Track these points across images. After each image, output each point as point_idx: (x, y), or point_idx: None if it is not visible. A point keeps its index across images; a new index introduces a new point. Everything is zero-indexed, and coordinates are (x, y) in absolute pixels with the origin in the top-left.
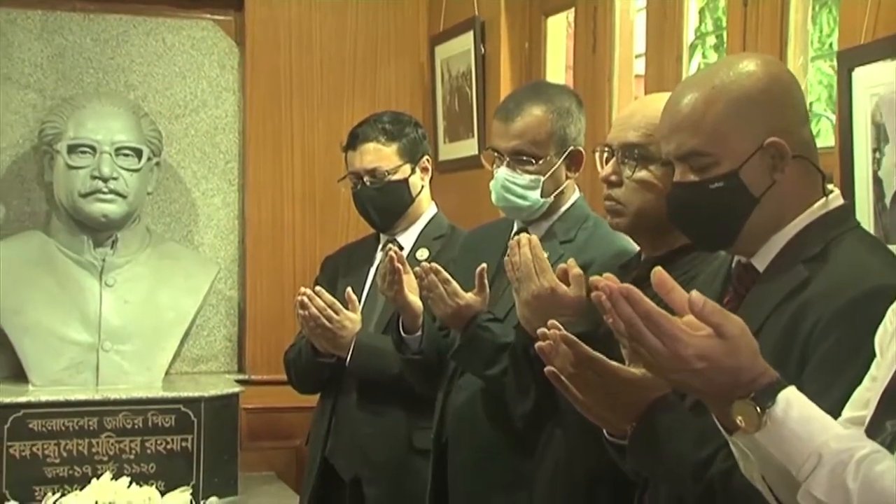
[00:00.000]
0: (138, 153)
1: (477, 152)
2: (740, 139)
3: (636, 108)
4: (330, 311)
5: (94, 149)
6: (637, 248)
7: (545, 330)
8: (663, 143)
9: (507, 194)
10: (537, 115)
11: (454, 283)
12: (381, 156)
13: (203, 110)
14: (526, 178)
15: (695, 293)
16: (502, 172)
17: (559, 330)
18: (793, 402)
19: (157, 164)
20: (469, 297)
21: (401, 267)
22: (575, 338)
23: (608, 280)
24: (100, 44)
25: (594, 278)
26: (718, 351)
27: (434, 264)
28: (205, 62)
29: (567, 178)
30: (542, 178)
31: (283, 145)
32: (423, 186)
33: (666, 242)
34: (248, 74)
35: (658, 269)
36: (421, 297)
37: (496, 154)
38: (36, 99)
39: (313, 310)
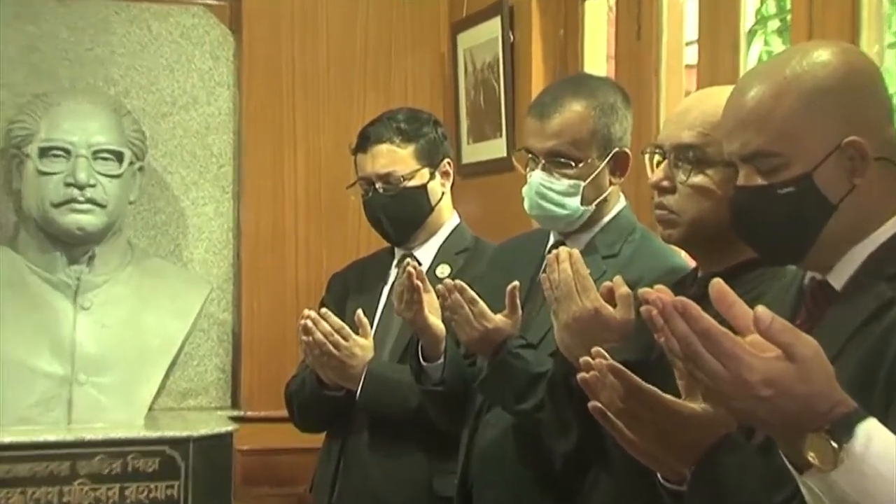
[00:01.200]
0: (119, 157)
1: (505, 154)
2: (814, 138)
3: (691, 103)
4: (337, 337)
5: (68, 152)
6: (692, 264)
7: (588, 358)
8: (725, 142)
9: (543, 201)
10: (578, 111)
11: (481, 304)
12: (395, 159)
13: (193, 108)
14: (564, 184)
15: (761, 308)
16: (537, 177)
17: (605, 358)
18: (875, 436)
19: (141, 168)
20: (498, 319)
21: (420, 284)
22: (623, 367)
23: (660, 293)
24: (76, 33)
25: (643, 290)
26: (788, 375)
27: (459, 281)
28: (195, 53)
29: (611, 183)
30: (583, 184)
31: (285, 147)
32: (443, 193)
33: (726, 257)
34: (244, 67)
35: (717, 280)
36: (443, 320)
37: (530, 155)
38: (4, 96)
39: (319, 335)
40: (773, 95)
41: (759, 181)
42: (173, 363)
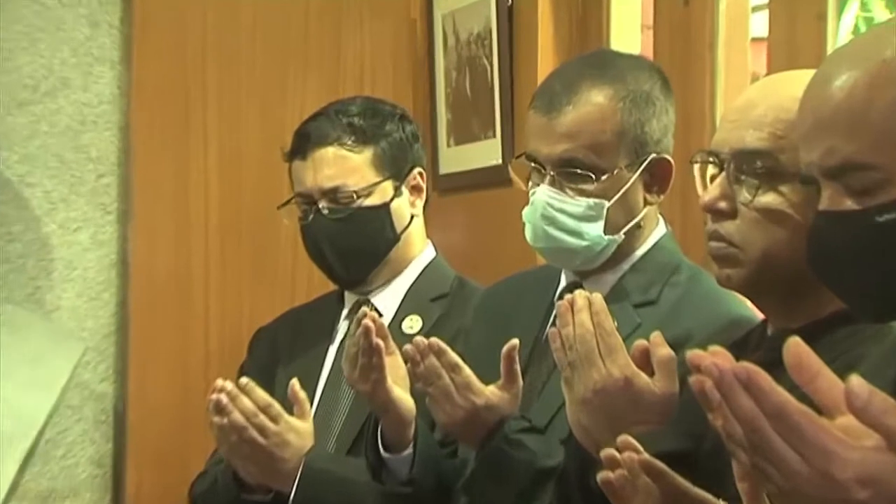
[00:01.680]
0: None
1: (500, 161)
2: None
3: (759, 93)
4: (264, 418)
5: None
6: (759, 316)
7: (613, 451)
8: (803, 150)
9: (552, 228)
10: (600, 103)
11: (466, 371)
12: (346, 168)
13: (62, 94)
14: (581, 204)
15: (856, 380)
16: (544, 194)
17: (636, 450)
18: None
19: None
20: (491, 392)
21: (381, 344)
22: (662, 464)
23: (716, 356)
24: None
25: (692, 353)
26: (894, 472)
27: (436, 340)
28: (67, 18)
29: (647, 202)
30: (608, 204)
31: (192, 150)
32: (413, 216)
33: (807, 308)
34: (135, 37)
35: (795, 339)
36: (413, 394)
37: (534, 165)
38: None
39: (237, 415)
40: (868, 85)
41: (850, 204)
42: (31, 453)
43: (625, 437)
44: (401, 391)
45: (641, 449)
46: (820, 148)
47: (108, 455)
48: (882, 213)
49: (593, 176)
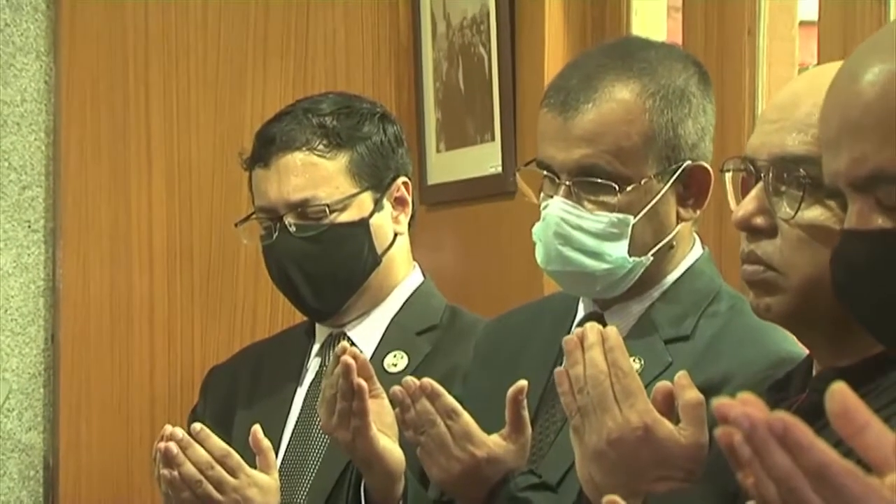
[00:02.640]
0: None
1: (501, 169)
2: None
3: (803, 88)
4: (220, 470)
5: None
6: (804, 351)
7: None
8: (827, 157)
9: (567, 249)
10: (625, 100)
11: (465, 417)
12: (316, 177)
13: None
14: (602, 219)
15: None
16: (558, 208)
17: None
18: None
19: None
20: (493, 443)
21: (364, 384)
22: None
23: (747, 404)
24: None
25: (720, 403)
26: None
27: (428, 380)
28: None
29: (680, 218)
30: (633, 220)
31: (133, 157)
32: (396, 234)
33: (858, 343)
34: (65, 22)
35: (839, 386)
36: (401, 444)
37: (547, 174)
38: None
39: (189, 467)
40: None
41: (882, 222)
42: None
43: (611, 498)
44: (387, 441)
45: None
46: (847, 155)
47: None
48: None
49: (616, 186)
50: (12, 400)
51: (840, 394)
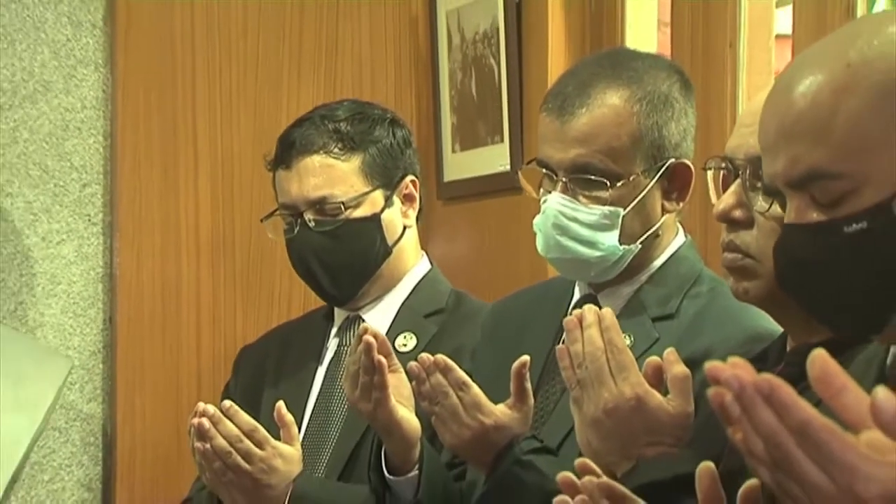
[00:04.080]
0: None
1: (509, 167)
2: (894, 152)
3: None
4: (248, 443)
5: None
6: (778, 329)
7: (569, 474)
8: (766, 160)
9: (564, 238)
10: (615, 105)
11: (475, 389)
12: (333, 177)
13: (44, 98)
14: (596, 212)
15: (882, 392)
16: (556, 202)
17: (596, 475)
18: None
19: None
20: (500, 412)
21: (383, 360)
22: (623, 488)
23: (737, 367)
24: None
25: (711, 365)
26: None
27: (441, 356)
28: (47, 17)
29: (665, 210)
30: (623, 212)
31: (181, 157)
32: (405, 227)
33: None
34: (120, 37)
35: (820, 352)
36: (418, 413)
37: (546, 171)
38: None
39: (220, 440)
40: (832, 91)
41: (817, 216)
42: (15, 478)
43: (582, 461)
44: (405, 410)
45: (600, 472)
46: (784, 157)
47: (97, 479)
48: (850, 224)
49: (608, 182)
50: (74, 375)
51: (820, 359)
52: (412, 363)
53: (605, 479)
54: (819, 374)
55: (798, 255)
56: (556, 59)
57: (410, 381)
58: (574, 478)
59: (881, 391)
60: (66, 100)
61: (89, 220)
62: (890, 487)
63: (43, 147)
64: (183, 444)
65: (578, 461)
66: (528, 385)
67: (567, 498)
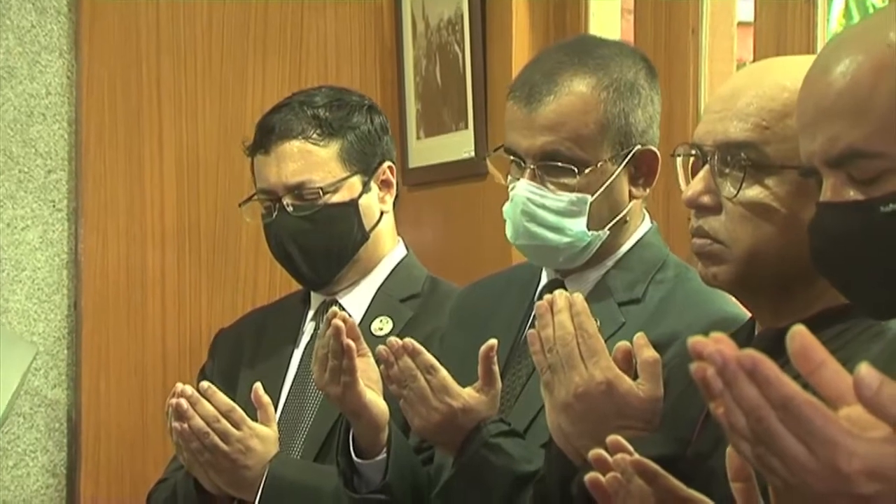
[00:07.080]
0: None
1: (474, 154)
2: None
3: (743, 82)
4: (226, 423)
5: None
6: (749, 315)
7: (601, 452)
8: (804, 140)
9: (532, 225)
10: (582, 92)
11: (443, 372)
12: (311, 162)
13: (8, 84)
14: (563, 199)
15: (865, 368)
16: (524, 189)
17: (628, 452)
18: None
19: None
20: (468, 395)
21: (352, 345)
22: (656, 465)
23: (719, 342)
24: None
25: (695, 341)
26: None
27: (409, 340)
28: (11, 3)
29: (632, 196)
30: (591, 198)
31: (146, 143)
32: (382, 213)
33: (796, 306)
34: (85, 24)
35: (799, 328)
36: (386, 398)
37: (513, 158)
38: None
39: (198, 421)
40: (872, 70)
41: (854, 194)
42: None
43: (615, 438)
44: (373, 394)
45: (632, 450)
46: (822, 136)
47: (62, 464)
48: (888, 203)
49: (576, 169)
50: (39, 360)
51: (800, 335)
52: (380, 347)
53: (637, 456)
54: (798, 349)
55: (833, 234)
56: (521, 46)
57: (379, 364)
58: (606, 454)
59: (864, 367)
60: (30, 86)
61: (54, 206)
62: (871, 463)
63: (7, 133)
64: (148, 430)
65: (610, 438)
66: (496, 368)
67: (598, 475)
